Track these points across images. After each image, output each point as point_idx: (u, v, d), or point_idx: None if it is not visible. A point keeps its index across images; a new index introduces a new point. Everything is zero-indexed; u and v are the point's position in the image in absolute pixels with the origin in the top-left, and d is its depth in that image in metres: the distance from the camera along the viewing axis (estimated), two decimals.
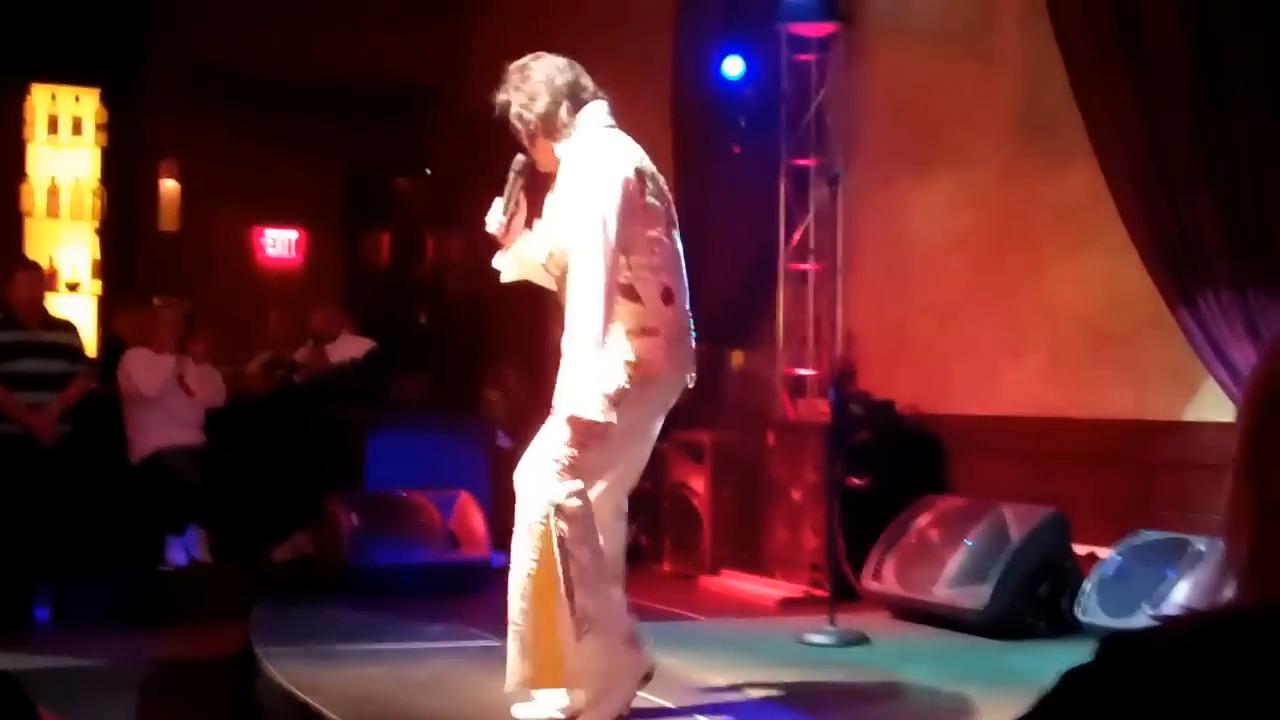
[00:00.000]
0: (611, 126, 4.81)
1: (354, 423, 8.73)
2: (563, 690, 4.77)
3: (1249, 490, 1.31)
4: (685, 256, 9.91)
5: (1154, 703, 1.21)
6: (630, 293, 4.67)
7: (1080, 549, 6.65)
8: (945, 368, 7.87)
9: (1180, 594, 5.61)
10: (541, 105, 4.77)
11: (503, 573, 8.23)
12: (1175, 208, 6.02)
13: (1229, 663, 1.21)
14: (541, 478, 4.59)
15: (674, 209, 4.89)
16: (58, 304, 9.99)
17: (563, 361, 4.62)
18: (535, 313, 12.06)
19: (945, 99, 7.92)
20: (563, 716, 4.77)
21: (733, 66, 8.65)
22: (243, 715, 5.92)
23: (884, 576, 6.95)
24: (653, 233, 4.71)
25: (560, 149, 4.78)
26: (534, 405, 10.51)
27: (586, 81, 4.84)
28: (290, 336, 10.13)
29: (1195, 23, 5.82)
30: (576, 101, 4.78)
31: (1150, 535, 6.04)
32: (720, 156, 8.93)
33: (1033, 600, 6.50)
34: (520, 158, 4.87)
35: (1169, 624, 1.30)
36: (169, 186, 11.59)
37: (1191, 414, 6.59)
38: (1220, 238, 5.87)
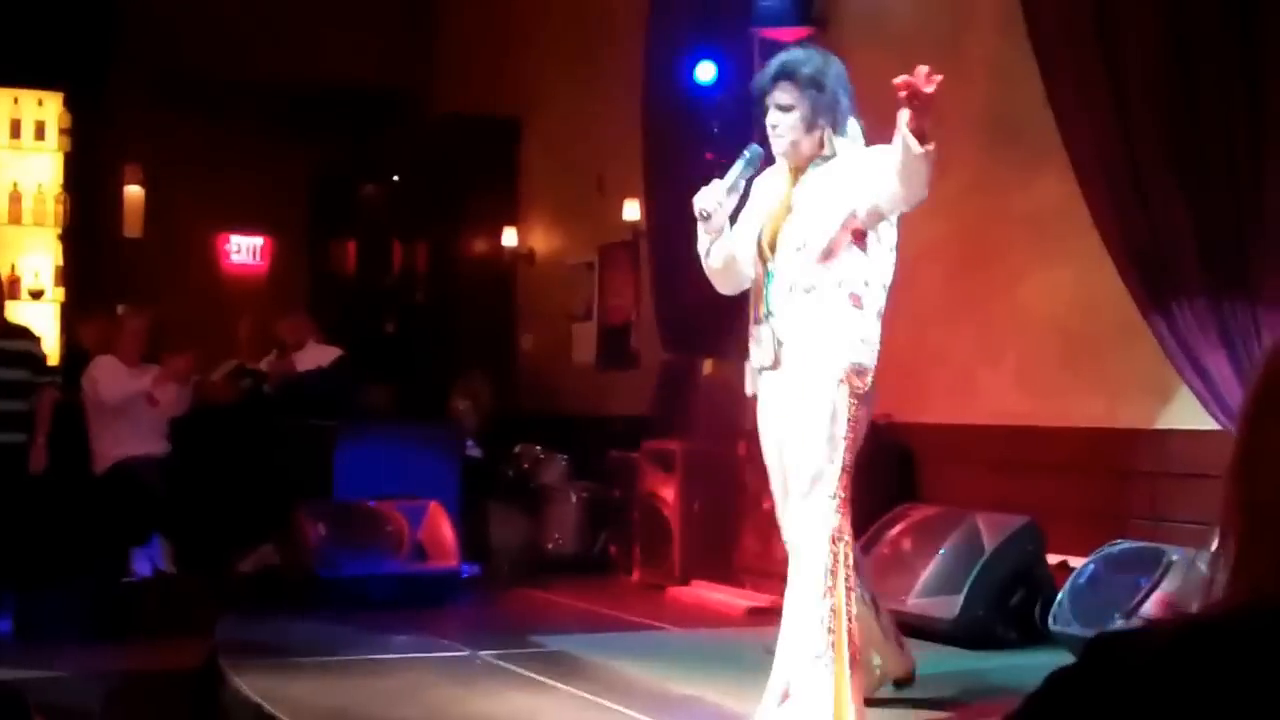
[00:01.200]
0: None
1: (322, 432, 8.65)
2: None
3: (1239, 489, 1.32)
4: (655, 264, 9.92)
5: (1140, 703, 1.22)
6: (857, 301, 4.79)
7: (1053, 558, 6.64)
8: (919, 377, 7.83)
9: (1153, 604, 5.59)
10: (845, 100, 4.92)
11: (472, 583, 8.28)
12: (1149, 215, 6.02)
13: (1214, 664, 1.21)
14: (827, 513, 4.69)
15: None
16: (20, 312, 9.87)
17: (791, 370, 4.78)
18: (503, 322, 12.04)
19: None
20: None
21: (705, 72, 8.62)
22: None
23: None
24: (893, 255, 4.91)
25: (841, 144, 4.88)
26: (502, 414, 10.52)
27: None
28: (258, 345, 10.02)
29: (1170, 31, 5.82)
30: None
31: (1124, 544, 6.01)
32: (692, 162, 8.90)
33: (1005, 610, 6.48)
34: (756, 147, 4.93)
35: (1155, 625, 1.32)
36: (133, 192, 11.49)
37: (1164, 422, 6.59)
38: (1194, 245, 5.86)
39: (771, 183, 4.99)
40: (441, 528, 7.83)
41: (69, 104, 10.99)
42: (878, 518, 7.13)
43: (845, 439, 4.70)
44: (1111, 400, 6.85)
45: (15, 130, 10.91)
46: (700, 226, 4.93)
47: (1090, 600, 5.86)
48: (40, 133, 10.93)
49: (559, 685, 5.53)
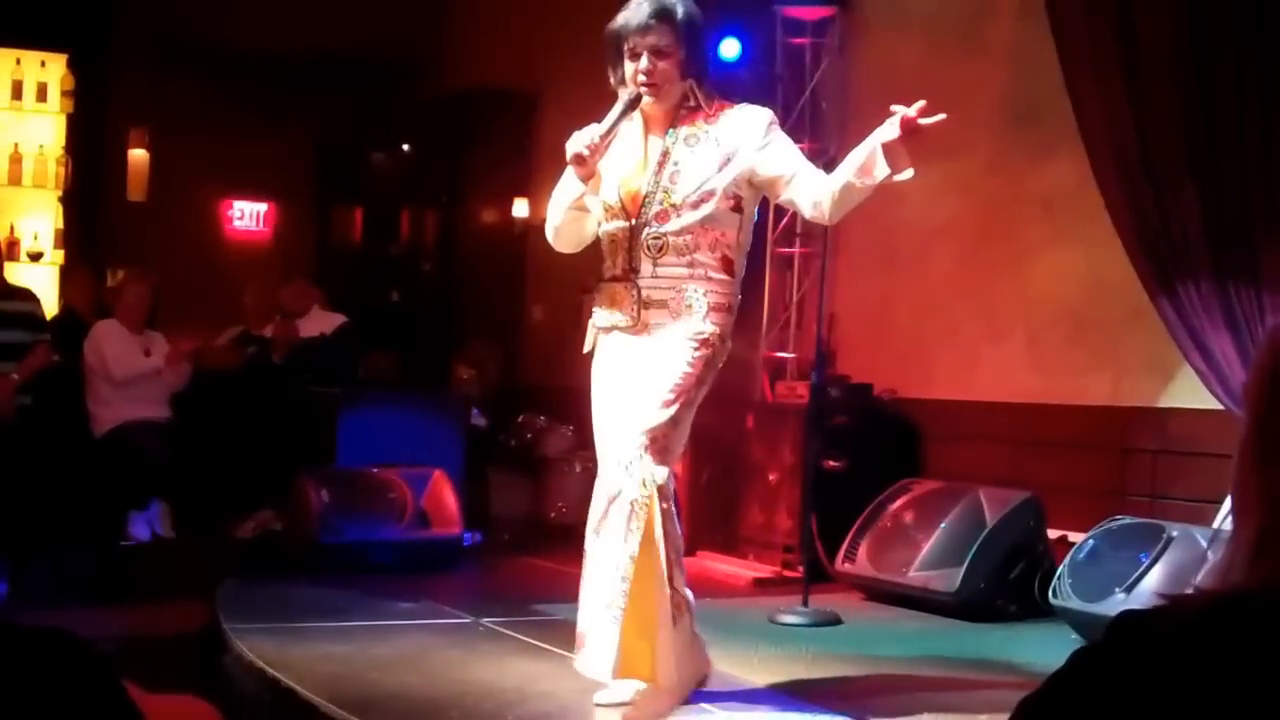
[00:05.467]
0: None
1: (326, 399, 8.64)
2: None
3: (1256, 474, 1.31)
4: None
5: (1164, 680, 1.22)
6: (728, 266, 4.62)
7: (1054, 533, 6.67)
8: (927, 353, 7.86)
9: (1155, 579, 5.60)
10: (702, 47, 4.74)
11: (474, 551, 8.29)
12: (1160, 199, 6.05)
13: (1236, 642, 1.22)
14: (641, 457, 4.47)
15: None
16: (19, 274, 9.83)
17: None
18: (512, 291, 12.01)
19: (937, 86, 7.84)
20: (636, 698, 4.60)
21: (729, 48, 8.59)
22: (208, 692, 5.84)
23: (858, 558, 6.95)
24: (754, 221, 4.74)
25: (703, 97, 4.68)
26: (508, 383, 10.51)
27: None
28: (264, 311, 9.98)
29: (1189, 18, 5.84)
30: None
31: (1124, 520, 6.04)
32: None
33: (1005, 583, 6.53)
34: (634, 89, 4.61)
35: (1178, 604, 1.32)
36: (137, 156, 11.43)
37: (1166, 401, 6.62)
38: (1203, 230, 5.91)
39: (625, 135, 4.69)
40: (445, 495, 7.83)
41: (72, 66, 10.91)
42: (879, 491, 7.16)
43: (694, 404, 4.56)
44: (1115, 379, 6.88)
45: (17, 92, 10.79)
46: (570, 172, 4.66)
47: (1090, 575, 5.88)
48: (42, 94, 10.84)
49: (563, 653, 5.53)
